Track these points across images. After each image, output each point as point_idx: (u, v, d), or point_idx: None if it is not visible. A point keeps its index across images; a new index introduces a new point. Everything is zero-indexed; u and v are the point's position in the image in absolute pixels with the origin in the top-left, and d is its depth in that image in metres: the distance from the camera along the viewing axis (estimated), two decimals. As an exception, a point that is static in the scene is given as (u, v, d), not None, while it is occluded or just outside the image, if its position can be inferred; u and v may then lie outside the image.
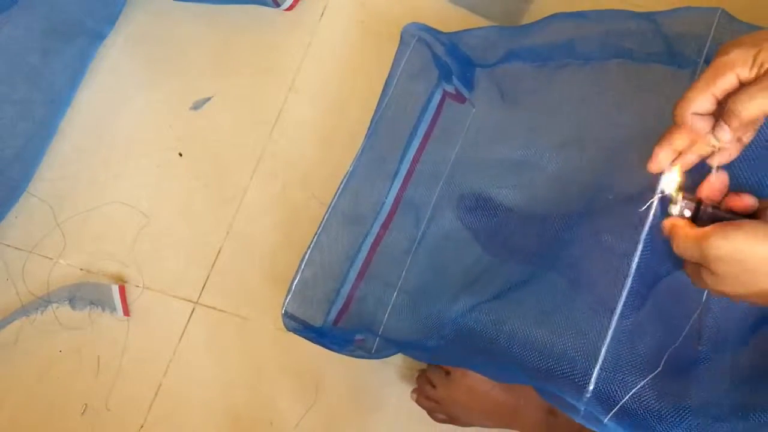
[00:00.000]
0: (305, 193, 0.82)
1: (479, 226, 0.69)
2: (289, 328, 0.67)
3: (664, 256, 0.51)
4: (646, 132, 0.56)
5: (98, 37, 0.88)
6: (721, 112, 0.42)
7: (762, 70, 0.39)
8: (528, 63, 0.68)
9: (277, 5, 0.83)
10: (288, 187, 0.83)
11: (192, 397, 0.80)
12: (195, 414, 0.79)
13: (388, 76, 0.72)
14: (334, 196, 0.70)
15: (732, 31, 0.53)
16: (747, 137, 0.44)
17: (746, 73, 0.39)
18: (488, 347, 0.60)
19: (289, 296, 0.67)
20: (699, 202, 0.45)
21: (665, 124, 0.46)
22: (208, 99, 0.87)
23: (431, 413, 0.73)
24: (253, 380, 0.79)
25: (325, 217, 0.69)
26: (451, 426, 0.73)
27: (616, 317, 0.48)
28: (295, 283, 0.68)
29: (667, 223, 0.45)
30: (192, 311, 0.82)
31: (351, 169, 0.70)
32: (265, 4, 0.83)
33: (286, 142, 0.84)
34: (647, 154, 0.47)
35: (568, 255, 0.59)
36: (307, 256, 0.68)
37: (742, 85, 0.40)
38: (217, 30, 0.88)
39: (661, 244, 0.50)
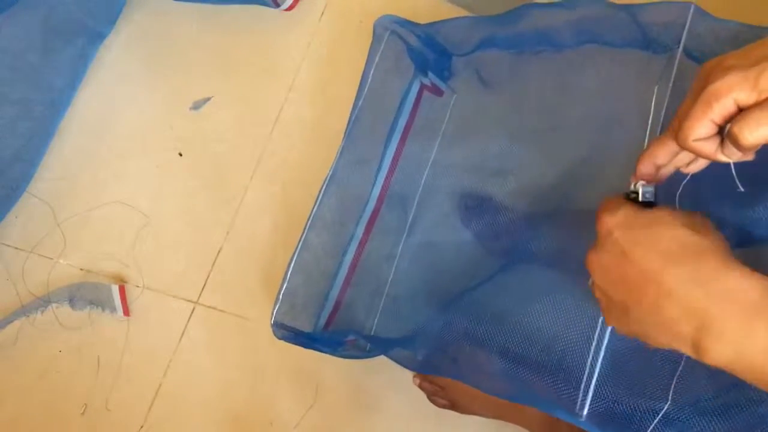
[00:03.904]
0: (305, 193, 0.82)
1: (479, 225, 0.68)
2: (279, 337, 0.66)
3: None
4: (625, 113, 0.56)
5: (98, 37, 0.88)
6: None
7: (763, 96, 0.38)
8: (504, 50, 0.68)
9: (277, 5, 0.83)
10: (288, 187, 0.83)
11: (192, 397, 0.80)
12: (195, 414, 0.79)
13: (363, 73, 0.71)
14: (316, 201, 0.69)
15: (704, 25, 0.53)
16: (749, 156, 0.44)
17: (744, 97, 0.38)
18: (479, 356, 0.60)
19: (277, 306, 0.67)
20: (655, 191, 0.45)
21: (643, 105, 0.46)
22: (208, 99, 0.87)
23: (431, 396, 0.73)
24: (253, 380, 0.79)
25: (308, 223, 0.68)
26: (449, 415, 0.73)
27: (609, 331, 0.48)
28: (282, 292, 0.67)
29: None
30: (192, 311, 0.82)
31: (331, 172, 0.70)
32: (265, 4, 0.83)
33: (286, 142, 0.84)
34: (626, 138, 0.47)
35: (555, 250, 0.59)
36: (292, 264, 0.67)
37: (741, 109, 0.40)
38: (217, 30, 0.88)
39: None
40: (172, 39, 0.89)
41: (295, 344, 0.66)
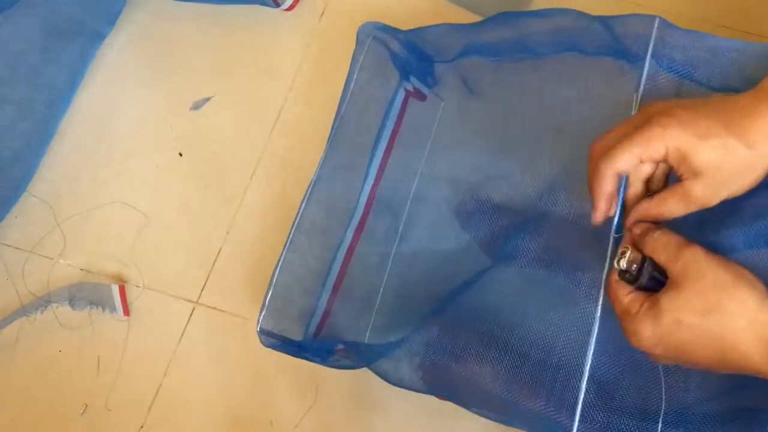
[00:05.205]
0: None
1: (479, 229, 0.68)
2: (266, 345, 0.66)
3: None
4: (603, 119, 0.57)
5: (98, 37, 0.88)
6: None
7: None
8: (486, 58, 0.69)
9: (277, 5, 0.83)
10: (288, 187, 0.83)
11: (192, 397, 0.80)
12: (195, 414, 0.79)
13: (346, 79, 0.71)
14: (300, 207, 0.69)
15: (674, 36, 0.54)
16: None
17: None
18: (471, 373, 0.60)
19: (263, 312, 0.66)
20: (644, 260, 0.45)
21: (622, 115, 0.49)
22: (208, 99, 0.87)
23: None
24: (253, 380, 0.79)
25: (293, 230, 0.68)
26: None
27: (592, 345, 0.48)
28: (268, 299, 0.66)
29: (610, 282, 0.47)
30: (192, 311, 0.82)
31: (315, 177, 0.70)
32: (265, 4, 0.83)
33: (286, 142, 0.84)
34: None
35: (551, 255, 0.59)
36: (277, 270, 0.67)
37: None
38: (217, 30, 0.88)
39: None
40: (172, 39, 0.89)
41: (283, 352, 0.66)
